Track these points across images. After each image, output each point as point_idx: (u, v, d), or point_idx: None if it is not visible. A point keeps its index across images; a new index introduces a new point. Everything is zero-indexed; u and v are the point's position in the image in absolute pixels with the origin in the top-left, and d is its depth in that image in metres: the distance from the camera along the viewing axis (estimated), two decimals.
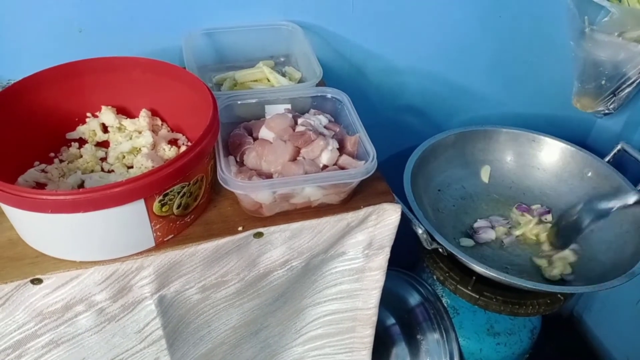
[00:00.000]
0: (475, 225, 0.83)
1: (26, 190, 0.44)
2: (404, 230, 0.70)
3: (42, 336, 0.54)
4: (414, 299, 0.92)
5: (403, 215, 0.59)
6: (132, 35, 0.72)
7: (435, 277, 0.79)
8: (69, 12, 0.69)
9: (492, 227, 0.83)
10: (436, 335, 0.88)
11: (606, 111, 0.99)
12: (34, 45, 0.70)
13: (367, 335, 0.68)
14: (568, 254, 0.77)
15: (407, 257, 0.94)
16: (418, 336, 0.88)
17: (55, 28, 0.70)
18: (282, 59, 0.77)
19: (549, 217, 0.85)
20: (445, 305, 0.89)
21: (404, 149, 0.89)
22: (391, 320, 0.92)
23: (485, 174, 0.90)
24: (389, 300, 0.92)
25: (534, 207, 0.87)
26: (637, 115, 1.07)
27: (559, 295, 0.74)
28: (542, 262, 0.77)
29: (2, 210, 0.52)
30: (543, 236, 0.82)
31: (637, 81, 0.95)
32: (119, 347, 0.58)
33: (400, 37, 0.88)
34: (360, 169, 0.53)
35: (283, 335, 0.71)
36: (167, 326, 0.58)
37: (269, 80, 0.70)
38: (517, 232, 0.83)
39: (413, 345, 0.90)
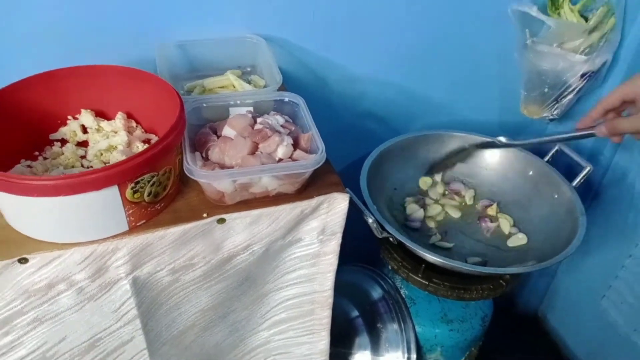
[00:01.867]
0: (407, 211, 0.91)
1: (15, 177, 0.50)
2: (368, 228, 0.77)
3: (27, 313, 0.60)
4: (376, 292, 0.99)
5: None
6: (110, 46, 0.80)
7: (390, 266, 0.86)
8: (53, 24, 0.76)
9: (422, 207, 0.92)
10: (395, 325, 0.95)
11: (550, 117, 1.09)
12: (18, 54, 0.77)
13: (325, 316, 0.75)
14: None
15: (371, 253, 1.01)
16: (379, 326, 0.95)
17: (39, 38, 0.77)
18: (248, 69, 0.85)
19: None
20: (404, 296, 0.96)
21: (366, 153, 0.97)
22: (355, 313, 0.99)
23: (437, 175, 0.98)
24: (353, 294, 1.00)
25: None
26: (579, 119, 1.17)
27: (500, 281, 0.82)
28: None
29: None
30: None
31: (577, 88, 1.04)
32: (97, 325, 0.65)
33: (359, 47, 0.97)
34: (310, 160, 0.60)
35: (249, 320, 0.78)
36: (140, 306, 0.65)
37: (234, 87, 0.78)
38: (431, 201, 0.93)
39: (374, 335, 0.97)
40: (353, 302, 0.98)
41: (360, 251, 1.01)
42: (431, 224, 0.91)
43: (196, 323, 0.72)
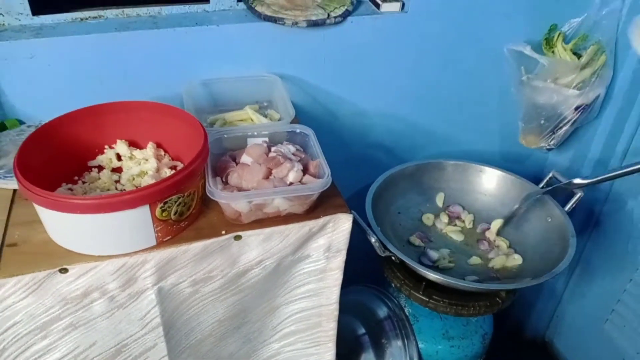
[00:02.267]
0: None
1: (62, 196, 0.59)
2: (374, 250, 0.84)
3: (63, 319, 0.67)
4: (381, 311, 1.05)
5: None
6: (143, 84, 0.89)
7: (393, 285, 0.93)
8: (94, 68, 0.87)
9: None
10: (399, 342, 1.01)
11: (548, 147, 1.15)
12: (65, 93, 0.87)
13: (331, 328, 0.81)
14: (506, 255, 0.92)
15: (376, 273, 1.08)
16: (384, 342, 1.01)
17: (82, 79, 0.87)
18: (265, 104, 0.94)
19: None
20: (407, 313, 1.01)
21: (373, 180, 1.05)
22: (362, 330, 1.05)
23: (440, 199, 1.04)
24: (360, 312, 1.06)
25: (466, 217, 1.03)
26: (578, 149, 1.23)
27: (496, 298, 0.87)
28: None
29: (38, 219, 0.67)
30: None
31: (572, 120, 1.11)
32: (124, 332, 0.72)
33: (366, 85, 1.06)
34: (317, 184, 0.68)
35: (261, 332, 0.84)
36: (164, 315, 0.72)
37: (252, 120, 0.86)
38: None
39: (379, 351, 1.02)
40: (360, 320, 1.04)
41: (366, 271, 1.08)
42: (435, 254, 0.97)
43: (213, 333, 0.79)
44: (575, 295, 1.51)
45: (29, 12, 0.86)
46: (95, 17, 0.89)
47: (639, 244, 1.26)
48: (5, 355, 0.68)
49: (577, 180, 0.90)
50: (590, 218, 1.36)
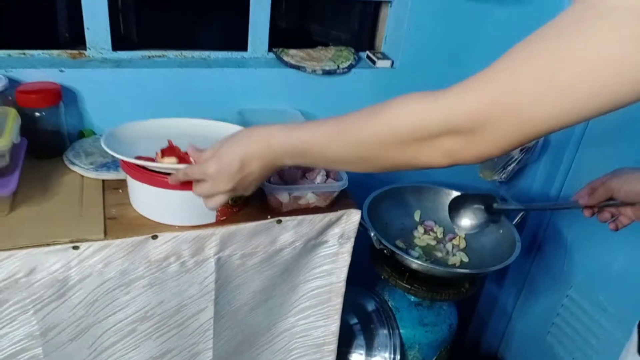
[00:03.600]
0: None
1: (158, 175, 0.82)
2: (368, 262, 1.08)
3: (145, 278, 0.88)
4: (370, 305, 1.28)
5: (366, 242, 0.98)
6: (193, 109, 1.13)
7: (382, 276, 1.17)
8: (157, 95, 1.11)
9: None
10: (385, 330, 1.24)
11: (499, 180, 1.46)
12: (129, 110, 1.10)
13: (338, 302, 1.04)
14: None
15: (369, 279, 1.32)
16: (372, 328, 1.24)
17: (145, 103, 1.11)
18: None
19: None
20: (391, 307, 1.25)
21: (367, 196, 1.31)
22: (354, 320, 1.27)
23: (417, 215, 1.31)
24: (354, 307, 1.29)
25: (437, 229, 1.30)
26: (524, 183, 1.55)
27: (461, 288, 1.13)
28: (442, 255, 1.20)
29: (127, 202, 0.89)
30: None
31: (518, 159, 1.42)
32: (186, 293, 0.93)
33: None
34: (338, 184, 0.93)
35: (282, 306, 1.06)
36: (217, 281, 0.93)
37: None
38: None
39: (368, 338, 1.25)
40: (353, 312, 1.27)
41: (358, 275, 1.32)
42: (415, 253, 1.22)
43: (247, 302, 1.01)
44: (522, 312, 1.78)
45: (110, 47, 1.10)
46: (160, 56, 1.15)
47: (572, 265, 1.56)
48: (96, 305, 0.87)
49: (513, 206, 1.20)
50: (534, 244, 1.67)
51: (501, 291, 1.82)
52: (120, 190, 0.94)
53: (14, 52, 1.06)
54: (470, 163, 0.55)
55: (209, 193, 0.75)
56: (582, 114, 0.45)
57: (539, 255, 1.68)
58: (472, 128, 0.50)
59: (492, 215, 1.10)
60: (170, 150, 0.85)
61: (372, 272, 1.23)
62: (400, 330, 1.22)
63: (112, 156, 0.84)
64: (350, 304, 1.28)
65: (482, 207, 1.10)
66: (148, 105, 1.11)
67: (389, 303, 1.26)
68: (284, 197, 0.92)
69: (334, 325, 1.07)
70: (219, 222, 0.90)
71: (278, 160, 0.70)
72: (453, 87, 0.52)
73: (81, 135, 1.08)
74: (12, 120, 0.86)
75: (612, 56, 0.41)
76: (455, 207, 1.15)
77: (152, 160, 0.84)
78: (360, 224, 1.03)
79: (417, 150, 0.56)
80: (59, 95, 0.99)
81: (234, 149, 0.70)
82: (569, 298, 1.57)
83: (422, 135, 0.54)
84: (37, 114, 0.97)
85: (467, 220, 1.11)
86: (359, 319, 1.26)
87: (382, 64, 1.30)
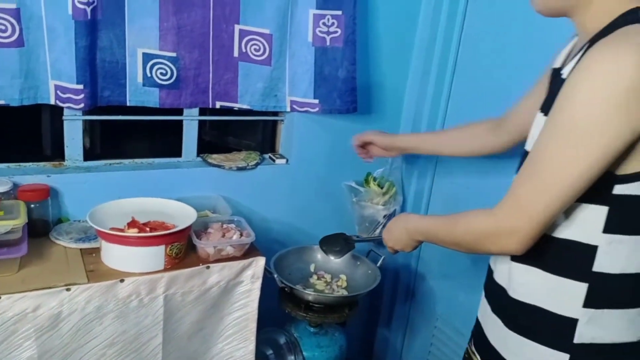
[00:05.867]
0: None
1: (124, 236, 1.25)
2: (277, 303, 1.53)
3: (113, 312, 1.27)
4: (282, 339, 1.70)
5: (275, 288, 1.45)
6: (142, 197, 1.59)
7: (286, 310, 1.61)
8: (117, 189, 1.56)
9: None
10: (292, 356, 1.65)
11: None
12: (96, 201, 1.54)
13: (253, 327, 1.46)
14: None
15: (279, 319, 1.74)
16: (283, 357, 1.64)
17: (108, 196, 1.55)
18: (213, 209, 1.67)
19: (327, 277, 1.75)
20: (296, 337, 1.68)
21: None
22: (270, 352, 1.68)
23: (312, 267, 1.78)
24: (269, 341, 1.70)
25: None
26: None
27: (343, 314, 1.59)
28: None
29: (99, 261, 1.30)
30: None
31: (383, 223, 1.96)
32: (142, 323, 1.31)
33: (268, 202, 1.84)
34: (247, 239, 1.41)
35: (212, 334, 1.46)
36: (165, 313, 1.33)
37: (208, 215, 1.58)
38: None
39: None
40: (269, 345, 1.67)
41: (274, 317, 1.74)
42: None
43: (187, 331, 1.40)
44: (409, 347, 2.24)
45: (82, 159, 1.56)
46: (118, 163, 1.61)
47: (436, 304, 2.07)
48: (78, 333, 1.24)
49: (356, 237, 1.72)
50: (408, 292, 2.18)
51: (391, 334, 2.28)
52: (94, 254, 1.36)
53: (12, 165, 1.49)
54: (512, 252, 0.93)
55: (392, 249, 1.32)
56: (565, 202, 0.86)
57: (413, 299, 2.19)
58: (507, 233, 0.91)
59: (348, 244, 1.62)
60: (133, 224, 1.30)
61: (281, 311, 1.66)
62: (304, 353, 1.63)
63: (85, 232, 1.29)
64: (266, 339, 1.69)
65: (342, 239, 1.62)
66: (111, 200, 1.54)
67: (294, 334, 1.68)
68: (210, 250, 1.38)
69: (251, 345, 1.48)
70: (166, 269, 1.33)
71: (412, 235, 1.21)
72: (498, 208, 0.93)
73: (59, 221, 1.49)
74: (23, 209, 1.28)
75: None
76: (325, 242, 1.64)
77: (122, 230, 1.28)
78: (268, 271, 1.49)
79: (482, 243, 0.96)
80: (48, 193, 1.42)
81: (394, 226, 1.29)
82: (437, 329, 2.06)
83: (483, 234, 0.96)
84: (33, 205, 1.38)
85: (333, 248, 1.62)
86: (273, 350, 1.66)
87: (280, 161, 1.84)
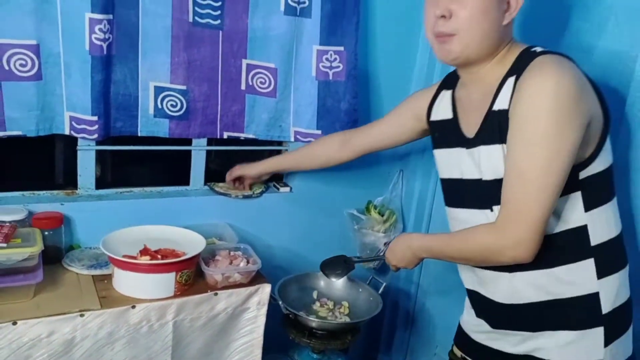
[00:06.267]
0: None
1: (136, 262, 1.30)
2: (281, 329, 1.57)
3: (124, 337, 1.30)
4: None
5: (279, 317, 1.49)
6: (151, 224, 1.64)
7: (290, 337, 1.64)
8: (127, 217, 1.61)
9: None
10: None
11: (374, 267, 2.02)
12: (107, 229, 1.58)
13: (259, 353, 1.48)
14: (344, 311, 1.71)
15: (283, 345, 1.77)
16: None
17: (119, 223, 1.60)
18: (219, 237, 1.71)
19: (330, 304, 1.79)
20: None
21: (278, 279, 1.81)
22: None
23: (315, 294, 1.82)
24: None
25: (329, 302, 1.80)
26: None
27: (346, 340, 1.63)
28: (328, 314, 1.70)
29: (111, 287, 1.34)
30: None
31: (383, 250, 2.00)
32: (152, 348, 1.35)
33: (272, 229, 1.89)
34: (253, 267, 1.45)
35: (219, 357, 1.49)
36: (174, 339, 1.37)
37: (215, 242, 1.63)
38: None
39: None
40: None
41: (279, 343, 1.78)
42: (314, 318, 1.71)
43: (195, 357, 1.43)
44: None
45: (94, 187, 1.61)
46: (128, 192, 1.66)
47: (436, 330, 2.11)
48: (91, 359, 1.28)
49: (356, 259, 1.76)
50: (408, 318, 2.22)
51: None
52: (105, 281, 1.39)
53: (27, 193, 1.54)
54: (522, 261, 1.03)
55: (395, 267, 1.42)
56: (555, 200, 1.00)
57: (414, 326, 2.22)
58: (513, 245, 1.03)
59: (348, 265, 1.65)
60: (145, 251, 1.35)
61: (285, 337, 1.70)
62: None
63: (97, 259, 1.33)
64: None
65: (342, 260, 1.65)
66: (121, 227, 1.59)
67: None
68: (218, 277, 1.42)
69: None
70: (176, 295, 1.37)
71: (417, 253, 1.29)
72: (500, 222, 1.04)
73: (71, 247, 1.53)
74: (39, 236, 1.32)
75: None
76: (326, 265, 1.68)
77: (134, 257, 1.33)
78: (273, 298, 1.53)
79: (493, 257, 1.07)
80: (61, 220, 1.47)
81: (397, 246, 1.37)
82: (437, 356, 2.09)
83: (490, 250, 1.07)
84: (46, 233, 1.43)
85: (334, 271, 1.65)
86: None
87: (284, 190, 1.90)
